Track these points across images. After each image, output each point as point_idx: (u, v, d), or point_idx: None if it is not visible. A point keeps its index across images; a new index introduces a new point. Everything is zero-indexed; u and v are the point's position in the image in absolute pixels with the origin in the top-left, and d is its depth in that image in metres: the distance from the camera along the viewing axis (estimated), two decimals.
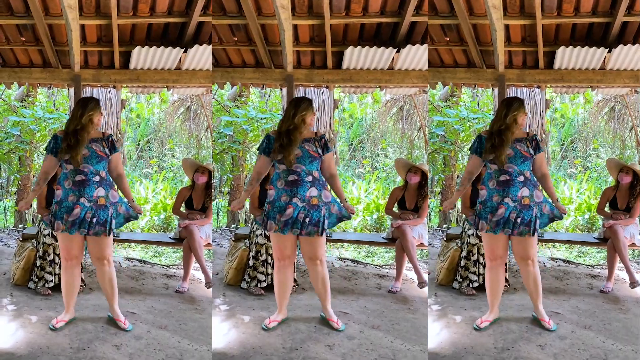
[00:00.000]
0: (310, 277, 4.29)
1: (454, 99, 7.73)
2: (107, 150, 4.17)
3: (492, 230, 4.11)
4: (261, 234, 5.19)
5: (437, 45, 6.32)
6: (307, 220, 4.08)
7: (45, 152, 4.25)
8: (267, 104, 8.01)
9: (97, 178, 4.13)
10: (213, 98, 7.87)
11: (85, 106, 4.14)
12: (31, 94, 8.02)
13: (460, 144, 7.63)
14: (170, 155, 8.45)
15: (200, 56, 6.29)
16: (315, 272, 4.22)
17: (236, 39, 6.32)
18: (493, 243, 4.18)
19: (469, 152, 4.31)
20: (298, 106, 4.14)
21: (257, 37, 6.11)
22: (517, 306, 4.33)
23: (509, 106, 4.11)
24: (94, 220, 4.09)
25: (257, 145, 4.30)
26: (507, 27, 6.04)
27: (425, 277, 5.14)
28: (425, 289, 5.10)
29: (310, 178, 4.11)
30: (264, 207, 4.22)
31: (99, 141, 4.18)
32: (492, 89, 6.70)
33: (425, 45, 6.08)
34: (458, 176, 7.81)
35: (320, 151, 4.15)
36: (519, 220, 4.06)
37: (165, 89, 7.15)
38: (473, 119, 7.45)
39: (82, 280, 5.16)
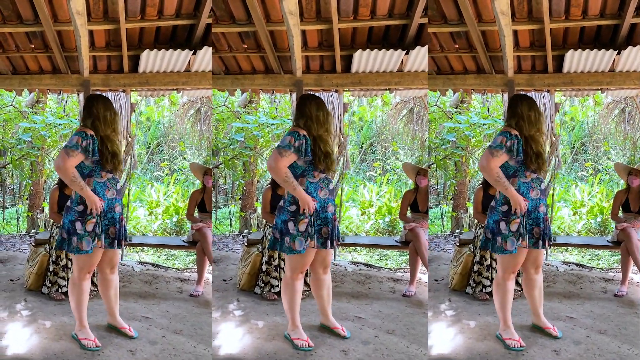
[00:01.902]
0: (316, 285, 4.14)
1: (464, 105, 7.75)
2: None
3: (535, 246, 3.89)
4: None
5: (446, 52, 6.35)
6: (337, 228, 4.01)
7: (77, 150, 3.78)
8: (277, 110, 8.03)
9: None
10: (224, 105, 7.89)
11: (110, 109, 3.91)
12: (41, 100, 8.05)
13: (471, 149, 7.65)
14: (181, 158, 8.48)
15: (210, 58, 6.31)
16: (324, 280, 4.14)
17: (246, 46, 6.34)
18: (520, 258, 3.96)
19: (498, 150, 3.79)
20: (325, 110, 3.89)
21: (266, 44, 6.12)
22: (531, 311, 4.31)
23: (536, 109, 3.86)
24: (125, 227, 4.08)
25: (283, 143, 3.80)
26: (515, 32, 6.05)
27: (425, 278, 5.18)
28: (426, 291, 5.13)
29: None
30: (300, 223, 3.86)
31: None
32: (502, 95, 6.72)
33: (425, 48, 6.10)
34: (470, 181, 7.82)
35: None
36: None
37: (175, 91, 7.17)
38: (483, 124, 7.48)
39: (96, 286, 5.18)
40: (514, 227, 3.85)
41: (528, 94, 6.49)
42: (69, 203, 3.91)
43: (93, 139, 3.81)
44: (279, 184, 4.74)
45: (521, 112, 3.85)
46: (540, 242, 3.90)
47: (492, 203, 3.94)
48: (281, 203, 3.93)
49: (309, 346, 4.04)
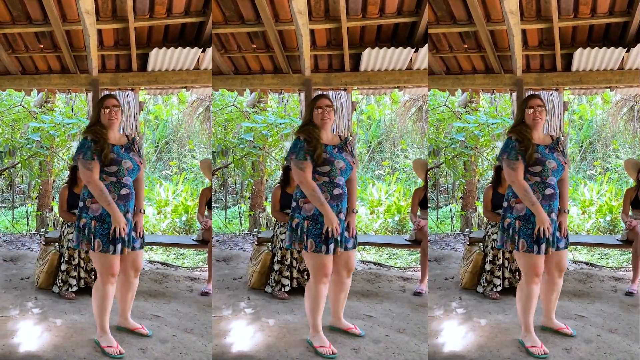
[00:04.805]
0: (337, 288, 4.10)
1: (473, 105, 7.76)
2: (141, 159, 3.99)
3: (538, 251, 3.80)
4: None
5: (455, 52, 6.35)
6: (347, 233, 3.93)
7: (86, 158, 3.79)
8: (285, 109, 8.05)
9: (133, 190, 3.94)
10: (233, 105, 7.90)
11: (98, 105, 3.89)
12: (50, 99, 8.08)
13: (480, 149, 7.66)
14: (190, 156, 8.50)
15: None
16: (346, 283, 4.10)
17: (255, 46, 6.35)
18: (538, 260, 3.84)
19: (508, 159, 3.81)
20: (313, 105, 3.85)
21: (275, 43, 6.13)
22: (542, 310, 4.31)
23: (524, 102, 3.88)
24: (138, 234, 3.98)
25: (292, 152, 3.84)
26: (524, 31, 6.04)
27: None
28: (426, 290, 5.14)
29: (346, 190, 3.90)
30: (298, 222, 3.87)
31: (133, 149, 3.96)
32: (510, 94, 6.72)
33: (426, 48, 6.10)
34: (478, 181, 7.83)
35: (354, 159, 3.94)
36: (561, 234, 3.89)
37: (184, 89, 7.17)
38: (492, 124, 7.49)
39: None
40: (505, 224, 3.90)
41: (536, 93, 6.50)
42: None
43: (89, 141, 3.82)
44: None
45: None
46: (555, 248, 3.85)
47: None
48: None
49: (332, 353, 3.92)
